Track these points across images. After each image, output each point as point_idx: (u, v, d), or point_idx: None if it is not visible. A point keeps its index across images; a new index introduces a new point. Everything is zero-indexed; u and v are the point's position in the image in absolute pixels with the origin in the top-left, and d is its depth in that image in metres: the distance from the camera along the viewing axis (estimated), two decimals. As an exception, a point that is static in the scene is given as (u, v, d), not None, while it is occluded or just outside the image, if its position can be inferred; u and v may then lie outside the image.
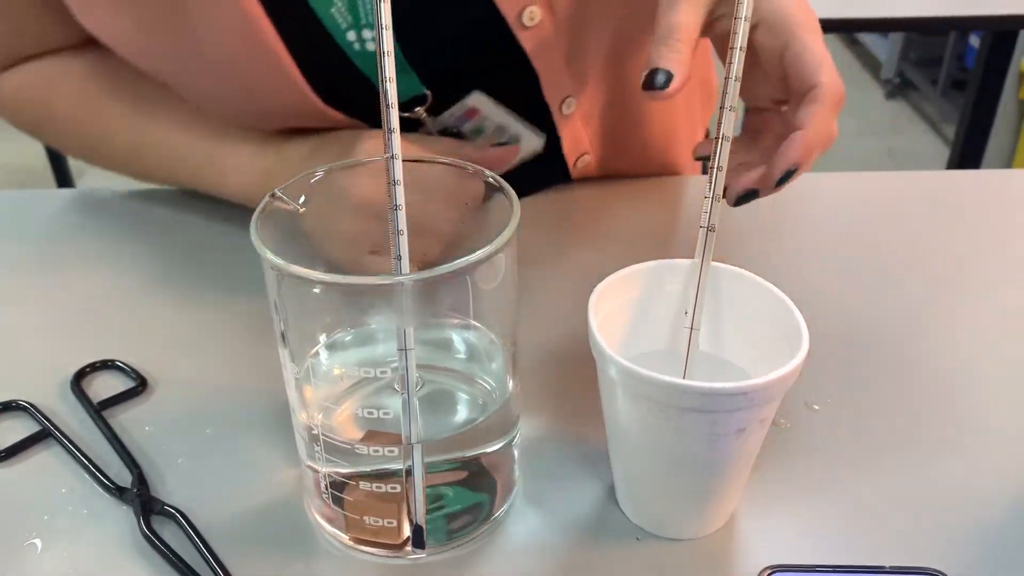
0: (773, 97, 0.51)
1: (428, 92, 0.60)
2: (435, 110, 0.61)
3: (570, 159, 0.69)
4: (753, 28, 0.47)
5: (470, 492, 0.43)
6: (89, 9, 0.57)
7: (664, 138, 0.74)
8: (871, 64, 3.45)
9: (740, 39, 0.39)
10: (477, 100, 0.62)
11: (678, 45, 0.46)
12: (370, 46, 0.56)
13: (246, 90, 0.58)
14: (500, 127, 0.64)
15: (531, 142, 0.66)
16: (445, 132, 0.63)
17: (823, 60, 0.46)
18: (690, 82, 0.47)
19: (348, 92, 0.57)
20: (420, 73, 0.59)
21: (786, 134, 0.47)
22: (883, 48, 3.35)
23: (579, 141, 0.68)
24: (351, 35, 0.55)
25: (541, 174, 0.71)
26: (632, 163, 0.74)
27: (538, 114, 0.65)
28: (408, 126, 0.61)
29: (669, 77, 0.45)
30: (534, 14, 0.57)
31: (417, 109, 0.60)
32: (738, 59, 0.39)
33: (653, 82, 0.46)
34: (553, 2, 0.58)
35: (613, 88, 0.67)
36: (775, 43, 0.47)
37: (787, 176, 0.46)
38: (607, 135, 0.70)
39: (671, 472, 0.41)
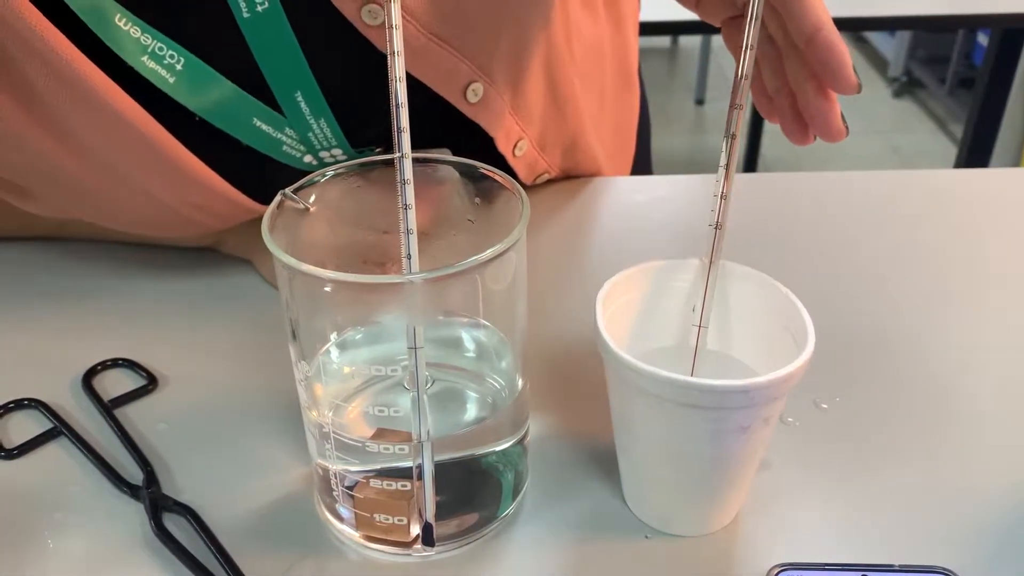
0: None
1: None
2: None
3: (528, 180, 0.70)
4: None
5: (480, 490, 0.43)
6: None
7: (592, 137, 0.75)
8: (878, 62, 3.44)
9: (751, 38, 0.39)
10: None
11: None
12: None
13: (172, 208, 0.54)
14: None
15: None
16: None
17: None
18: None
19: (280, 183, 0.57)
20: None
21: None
22: (890, 46, 3.35)
23: (535, 166, 0.69)
24: (284, 147, 0.54)
25: None
26: (586, 165, 0.74)
27: (492, 160, 0.65)
28: None
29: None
30: (477, 90, 0.57)
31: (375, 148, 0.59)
32: (748, 58, 0.39)
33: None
34: (489, 71, 0.57)
35: (558, 110, 0.68)
36: None
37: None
38: (563, 150, 0.71)
39: (677, 469, 0.41)
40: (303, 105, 0.52)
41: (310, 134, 0.54)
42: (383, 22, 0.47)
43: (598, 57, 0.75)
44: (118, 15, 0.45)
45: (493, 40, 0.56)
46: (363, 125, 0.56)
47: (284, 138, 0.54)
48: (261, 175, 0.55)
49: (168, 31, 0.46)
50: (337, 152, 0.56)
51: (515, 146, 0.65)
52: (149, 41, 0.46)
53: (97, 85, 0.45)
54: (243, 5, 0.47)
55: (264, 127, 0.52)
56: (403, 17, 0.50)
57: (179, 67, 0.47)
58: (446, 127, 0.58)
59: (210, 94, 0.49)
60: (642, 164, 0.88)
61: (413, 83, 0.42)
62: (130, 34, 0.45)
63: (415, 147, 0.37)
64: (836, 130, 0.47)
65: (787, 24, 0.46)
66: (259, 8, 0.47)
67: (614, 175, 0.78)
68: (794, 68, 0.48)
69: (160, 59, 0.47)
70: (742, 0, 0.48)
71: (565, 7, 0.66)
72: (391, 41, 0.36)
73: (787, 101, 0.50)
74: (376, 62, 0.55)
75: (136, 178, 0.51)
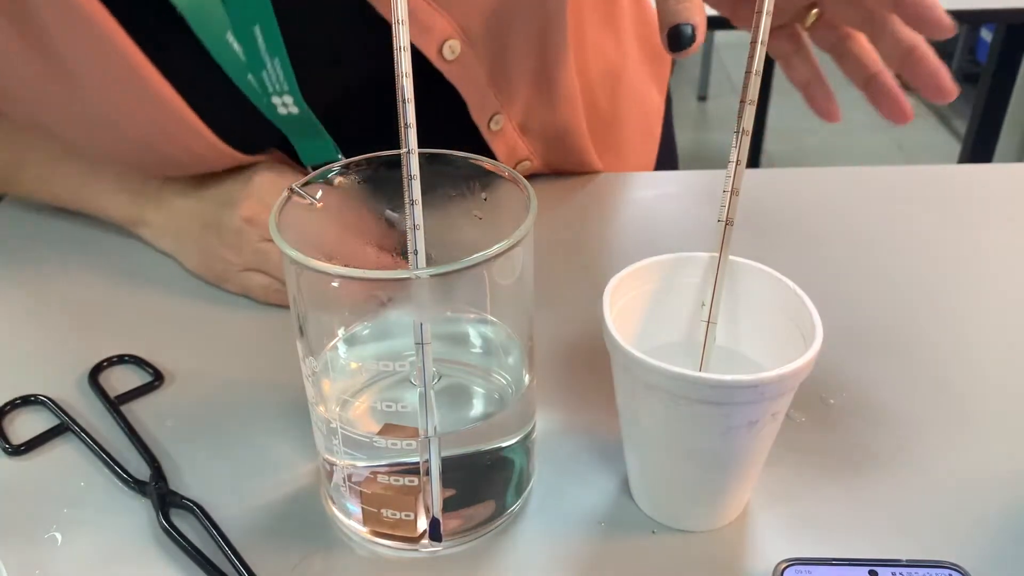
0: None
1: (341, 156, 0.59)
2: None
3: (508, 164, 0.69)
4: None
5: (486, 485, 0.43)
6: None
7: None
8: (881, 58, 3.43)
9: (761, 33, 0.39)
10: None
11: None
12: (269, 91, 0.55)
13: (144, 142, 0.56)
14: None
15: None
16: None
17: None
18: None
19: (250, 131, 0.57)
20: (337, 116, 0.58)
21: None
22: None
23: (516, 150, 0.68)
24: (250, 77, 0.54)
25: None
26: (574, 162, 0.74)
27: (467, 133, 0.65)
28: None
29: (693, 29, 0.45)
30: (454, 47, 0.57)
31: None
32: (759, 53, 0.39)
33: (679, 39, 0.45)
34: (469, 30, 0.57)
35: (546, 96, 0.67)
36: None
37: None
38: (548, 139, 0.70)
39: (684, 464, 0.41)
40: (260, 40, 0.52)
41: (263, 73, 0.53)
42: None
43: (614, 78, 0.76)
44: None
45: (477, 2, 0.56)
46: (317, 77, 0.56)
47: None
48: (231, 113, 0.55)
49: None
50: (288, 101, 0.56)
51: (491, 119, 0.64)
52: None
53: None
54: None
55: (235, 47, 0.52)
56: None
57: None
58: (422, 90, 0.58)
59: None
60: (667, 159, 0.88)
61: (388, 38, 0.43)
62: None
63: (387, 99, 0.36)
64: (948, 88, 0.48)
65: None
66: None
67: (633, 171, 0.78)
68: (889, 44, 0.49)
69: None
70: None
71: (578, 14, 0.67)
72: (397, 35, 0.36)
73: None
74: (340, 12, 0.55)
75: (111, 102, 0.52)
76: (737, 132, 0.40)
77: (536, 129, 0.69)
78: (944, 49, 3.11)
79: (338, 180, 0.42)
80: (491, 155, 0.67)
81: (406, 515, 0.41)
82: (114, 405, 0.51)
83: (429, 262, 0.38)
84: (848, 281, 0.61)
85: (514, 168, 0.70)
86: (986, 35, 2.69)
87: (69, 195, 0.66)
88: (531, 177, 0.73)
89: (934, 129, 3.05)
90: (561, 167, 0.74)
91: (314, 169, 0.44)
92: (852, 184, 0.74)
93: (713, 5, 0.54)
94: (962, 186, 0.73)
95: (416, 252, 0.38)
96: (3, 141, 0.65)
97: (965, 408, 0.50)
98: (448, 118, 0.62)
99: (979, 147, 1.98)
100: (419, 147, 0.37)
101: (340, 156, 0.59)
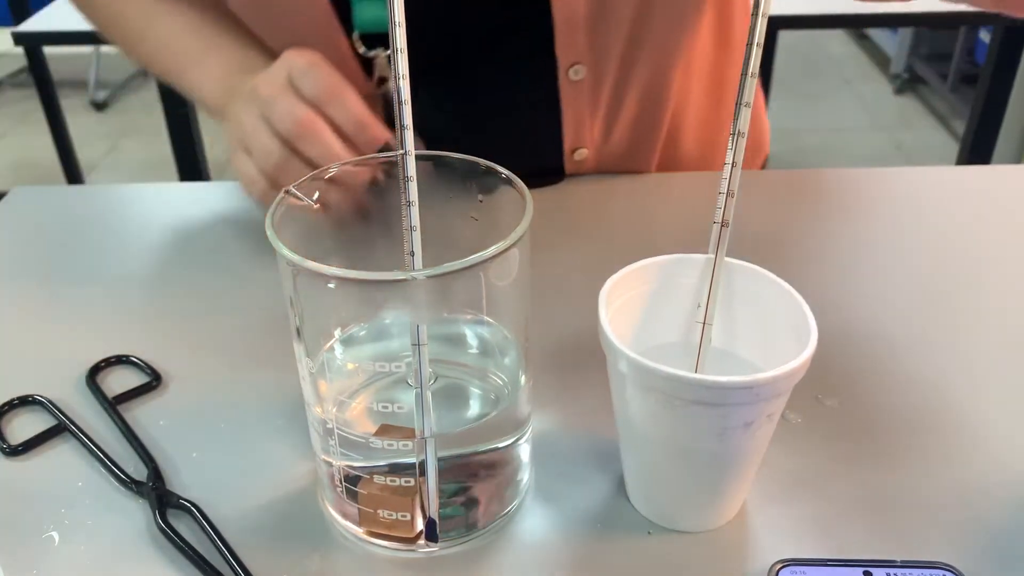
0: None
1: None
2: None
3: (568, 147, 0.69)
4: None
5: (483, 486, 0.43)
6: None
7: (675, 130, 0.74)
8: (880, 59, 3.44)
9: (758, 35, 0.39)
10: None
11: None
12: None
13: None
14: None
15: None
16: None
17: None
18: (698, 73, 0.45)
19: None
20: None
21: None
22: (892, 43, 3.34)
23: (580, 125, 0.68)
24: None
25: (535, 167, 0.71)
26: (636, 157, 0.74)
27: (543, 81, 0.64)
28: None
29: None
30: (579, 71, 0.57)
31: (379, 49, 0.60)
32: (755, 55, 0.39)
33: None
34: (603, 69, 0.58)
35: (631, 77, 0.66)
36: None
37: None
38: (619, 125, 0.70)
39: (680, 465, 0.41)
40: None
41: None
42: None
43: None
44: None
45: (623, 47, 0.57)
46: None
47: None
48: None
49: None
50: None
51: (573, 66, 0.63)
52: None
53: None
54: None
55: None
56: None
57: None
58: (511, 19, 0.59)
59: None
60: None
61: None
62: None
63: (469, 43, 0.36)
64: None
65: None
66: None
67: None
68: None
69: None
70: None
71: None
72: (393, 38, 0.36)
73: None
74: None
75: None
76: (733, 135, 0.40)
77: (606, 109, 0.67)
78: (943, 50, 3.11)
79: (336, 180, 0.42)
80: (557, 116, 0.66)
81: (402, 515, 0.41)
82: (112, 406, 0.51)
83: (425, 263, 0.38)
84: (844, 283, 0.61)
85: (571, 156, 0.70)
86: (985, 37, 2.69)
87: (175, 73, 0.68)
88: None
89: (933, 130, 3.05)
90: (614, 165, 0.73)
91: (360, 40, 0.43)
92: (850, 185, 0.74)
93: None
94: (960, 187, 0.73)
95: (413, 253, 0.38)
96: (134, 15, 0.68)
97: (960, 409, 0.50)
98: (527, 56, 0.62)
99: (978, 148, 1.98)
100: (492, 80, 0.37)
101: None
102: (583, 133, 0.69)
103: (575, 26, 0.61)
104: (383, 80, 0.62)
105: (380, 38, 0.61)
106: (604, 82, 0.67)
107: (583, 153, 0.71)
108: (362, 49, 0.62)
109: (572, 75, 0.64)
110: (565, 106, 0.66)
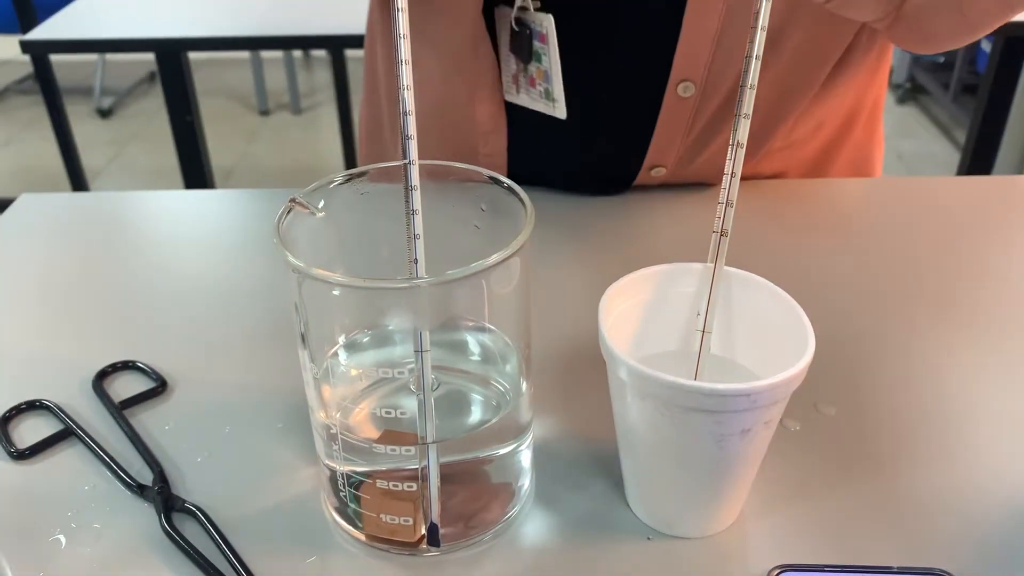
0: None
1: None
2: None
3: (648, 162, 0.67)
4: None
5: (484, 491, 0.44)
6: None
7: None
8: (882, 68, 3.43)
9: (756, 48, 0.39)
10: (551, 31, 0.60)
11: None
12: None
13: None
14: (547, 73, 0.62)
15: (555, 109, 0.64)
16: (517, 38, 0.61)
17: None
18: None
19: None
20: None
21: None
22: (894, 52, 3.34)
23: (669, 143, 0.66)
24: None
25: (603, 176, 0.70)
26: (714, 177, 0.72)
27: (649, 91, 0.62)
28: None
29: None
30: (688, 88, 0.57)
31: None
32: (754, 68, 0.40)
33: None
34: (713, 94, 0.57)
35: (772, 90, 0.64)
36: None
37: None
38: (709, 150, 0.68)
39: (678, 472, 0.41)
40: None
41: None
42: None
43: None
44: None
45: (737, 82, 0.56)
46: None
47: None
48: None
49: None
50: None
51: (683, 82, 0.62)
52: None
53: None
54: None
55: None
56: None
57: None
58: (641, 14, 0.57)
59: None
60: None
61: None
62: None
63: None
64: None
65: None
66: None
67: None
68: None
69: None
70: None
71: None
72: (397, 50, 0.37)
73: None
74: None
75: None
76: (733, 145, 0.41)
77: (717, 124, 0.65)
78: (944, 60, 3.12)
79: (341, 189, 0.43)
80: (649, 130, 0.64)
81: (405, 520, 0.41)
82: (118, 410, 0.51)
83: (428, 271, 0.39)
84: (842, 291, 0.61)
85: (647, 171, 0.69)
86: (986, 46, 2.70)
87: None
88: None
89: (934, 139, 3.05)
90: (683, 180, 0.72)
91: None
92: (851, 195, 0.74)
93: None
94: (962, 197, 0.74)
95: (416, 261, 0.38)
96: None
97: (957, 417, 0.50)
98: (643, 64, 0.60)
99: (979, 157, 1.98)
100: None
101: None
102: (668, 152, 0.67)
103: (699, 43, 0.59)
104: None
105: None
106: (709, 105, 0.65)
107: (660, 172, 0.69)
108: None
109: (681, 91, 0.62)
110: (661, 122, 0.64)
